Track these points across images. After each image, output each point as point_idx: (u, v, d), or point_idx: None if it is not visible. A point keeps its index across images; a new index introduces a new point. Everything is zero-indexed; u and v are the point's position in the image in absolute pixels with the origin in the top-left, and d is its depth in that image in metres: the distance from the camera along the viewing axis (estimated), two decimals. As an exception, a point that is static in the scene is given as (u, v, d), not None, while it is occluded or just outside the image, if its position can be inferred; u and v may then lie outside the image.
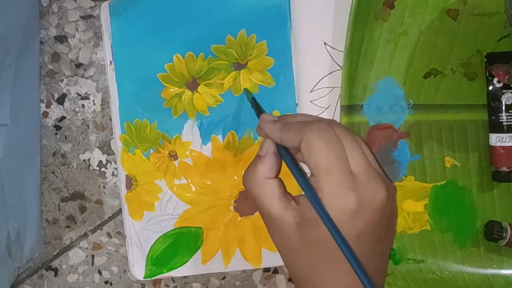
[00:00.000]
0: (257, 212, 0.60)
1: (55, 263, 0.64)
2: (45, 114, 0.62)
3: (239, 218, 0.61)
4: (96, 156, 0.62)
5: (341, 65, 0.59)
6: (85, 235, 0.64)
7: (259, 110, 0.52)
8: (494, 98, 0.57)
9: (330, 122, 0.45)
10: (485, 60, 0.58)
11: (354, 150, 0.44)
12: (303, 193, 0.44)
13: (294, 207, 0.45)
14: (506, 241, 0.58)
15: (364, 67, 0.58)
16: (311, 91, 0.60)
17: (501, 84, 0.57)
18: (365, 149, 0.45)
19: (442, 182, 0.60)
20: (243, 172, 0.58)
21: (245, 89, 0.59)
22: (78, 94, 0.62)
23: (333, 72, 0.60)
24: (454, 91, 0.59)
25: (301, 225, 0.44)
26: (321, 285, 0.45)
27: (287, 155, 0.46)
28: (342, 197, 0.42)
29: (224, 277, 0.64)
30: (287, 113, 0.58)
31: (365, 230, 0.43)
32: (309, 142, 0.43)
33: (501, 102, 0.57)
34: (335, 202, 0.42)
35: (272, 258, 0.61)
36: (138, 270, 0.61)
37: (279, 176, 0.47)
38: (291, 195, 0.46)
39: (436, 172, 0.60)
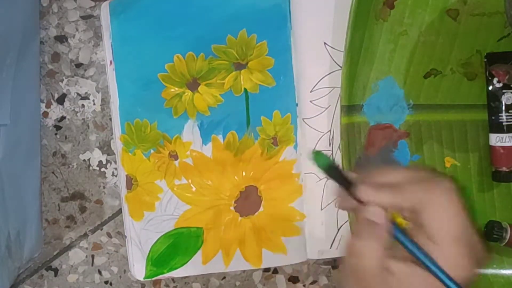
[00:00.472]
0: (258, 213, 0.61)
1: (55, 263, 0.64)
2: (45, 114, 0.62)
3: (240, 218, 0.61)
4: (96, 156, 0.62)
5: (341, 65, 0.59)
6: (85, 235, 0.64)
7: (343, 179, 0.43)
8: (494, 98, 0.57)
9: (454, 185, 0.42)
10: (485, 60, 0.57)
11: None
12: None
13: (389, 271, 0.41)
14: (506, 241, 0.57)
15: (364, 67, 0.58)
16: (311, 91, 0.60)
17: (501, 84, 0.57)
18: None
19: None
20: (243, 173, 0.59)
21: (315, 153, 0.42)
22: (78, 94, 0.62)
23: (333, 72, 0.60)
24: (454, 91, 0.59)
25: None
26: None
27: (406, 238, 0.41)
28: (469, 269, 0.41)
29: (224, 277, 0.64)
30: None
31: None
32: (438, 204, 0.41)
33: (501, 102, 0.57)
34: (462, 274, 0.40)
35: (272, 258, 0.62)
36: (138, 271, 0.61)
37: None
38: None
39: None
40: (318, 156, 0.42)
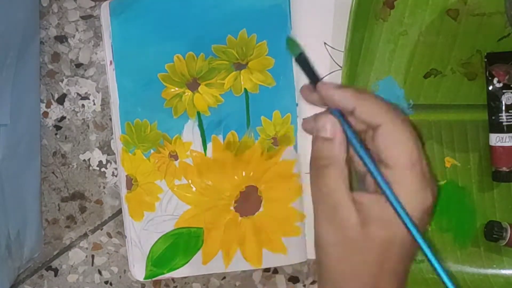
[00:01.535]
0: (258, 213, 0.61)
1: (55, 263, 0.64)
2: (45, 114, 0.62)
3: (240, 218, 0.61)
4: (96, 156, 0.62)
5: (341, 65, 0.59)
6: (85, 235, 0.64)
7: (311, 71, 0.46)
8: (494, 98, 0.57)
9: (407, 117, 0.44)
10: (485, 60, 0.57)
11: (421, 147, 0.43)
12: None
13: (357, 201, 0.43)
14: (506, 241, 0.57)
15: (364, 67, 0.58)
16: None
17: (501, 84, 0.57)
18: None
19: (442, 182, 0.60)
20: (243, 173, 0.59)
21: (288, 39, 0.49)
22: (78, 94, 0.62)
23: (333, 72, 0.60)
24: (454, 91, 0.59)
25: (365, 223, 0.42)
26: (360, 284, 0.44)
27: (356, 140, 0.43)
28: (423, 194, 0.42)
29: (224, 277, 0.64)
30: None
31: (428, 226, 0.43)
32: (394, 131, 0.42)
33: (501, 102, 0.57)
34: (416, 199, 0.42)
35: (273, 259, 0.61)
36: (138, 271, 0.61)
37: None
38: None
39: (436, 172, 0.60)
40: (292, 44, 0.47)
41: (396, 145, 0.42)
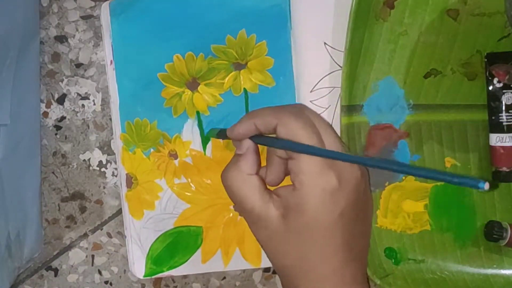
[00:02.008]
0: None
1: (55, 263, 0.64)
2: (45, 114, 0.62)
3: (239, 217, 0.61)
4: (96, 156, 0.62)
5: (341, 65, 0.59)
6: (85, 235, 0.63)
7: (222, 131, 0.52)
8: (494, 98, 0.57)
9: (300, 106, 0.48)
10: (485, 60, 0.58)
11: (327, 132, 0.46)
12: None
13: (276, 199, 0.46)
14: (506, 241, 0.57)
15: (364, 67, 0.58)
16: (311, 91, 0.60)
17: (501, 84, 0.57)
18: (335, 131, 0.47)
19: (442, 182, 0.59)
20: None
21: (210, 131, 0.59)
22: (78, 94, 0.62)
23: (333, 72, 0.60)
24: (454, 91, 0.59)
25: (285, 214, 0.45)
26: (311, 271, 0.46)
27: (268, 139, 0.47)
28: (324, 176, 0.44)
29: (224, 277, 0.64)
30: None
31: (347, 207, 0.45)
32: (287, 124, 0.45)
33: (501, 102, 0.57)
34: (318, 181, 0.44)
35: (272, 258, 0.61)
36: (138, 269, 0.61)
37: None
38: (270, 190, 0.48)
39: None
40: (211, 134, 0.58)
41: (294, 136, 0.45)
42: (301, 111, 0.46)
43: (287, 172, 0.48)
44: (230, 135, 0.49)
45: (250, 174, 0.47)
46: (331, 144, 0.46)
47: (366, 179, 0.48)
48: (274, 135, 0.46)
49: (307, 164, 0.44)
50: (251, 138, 0.48)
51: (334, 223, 0.45)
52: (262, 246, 0.49)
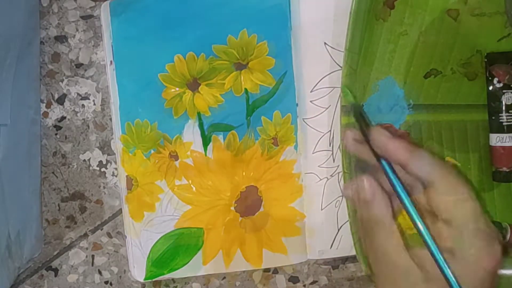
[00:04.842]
0: (258, 212, 0.61)
1: (55, 263, 0.64)
2: (45, 114, 0.62)
3: (240, 218, 0.61)
4: (96, 156, 0.62)
5: (341, 65, 0.59)
6: (85, 235, 0.63)
7: (365, 123, 0.47)
8: (494, 98, 0.57)
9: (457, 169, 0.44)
10: (485, 60, 0.58)
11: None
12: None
13: (417, 256, 0.42)
14: (506, 241, 0.57)
15: (364, 67, 0.58)
16: (311, 91, 0.60)
17: (501, 84, 0.57)
18: None
19: None
20: (243, 173, 0.60)
21: (350, 102, 0.54)
22: (78, 94, 0.61)
23: (333, 72, 0.60)
24: (454, 91, 0.59)
25: (429, 279, 0.41)
26: None
27: (404, 194, 0.43)
28: (491, 249, 0.41)
29: (224, 277, 0.64)
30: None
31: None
32: (450, 188, 0.41)
33: (501, 102, 0.57)
34: (486, 255, 0.41)
35: (273, 259, 0.62)
36: (139, 272, 0.61)
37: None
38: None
39: None
40: (345, 94, 0.52)
41: (454, 201, 0.41)
42: (458, 179, 0.42)
43: None
44: (378, 138, 0.44)
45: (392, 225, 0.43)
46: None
47: None
48: None
49: (472, 234, 0.40)
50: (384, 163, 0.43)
51: None
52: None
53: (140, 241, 0.61)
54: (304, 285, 0.64)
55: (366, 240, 0.45)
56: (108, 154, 0.62)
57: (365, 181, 0.43)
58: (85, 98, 0.62)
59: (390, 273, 0.43)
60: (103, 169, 0.62)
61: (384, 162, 0.43)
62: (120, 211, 0.63)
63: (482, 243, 0.40)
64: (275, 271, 0.64)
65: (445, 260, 0.40)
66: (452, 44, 0.58)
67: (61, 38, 0.61)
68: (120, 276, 0.64)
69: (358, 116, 0.47)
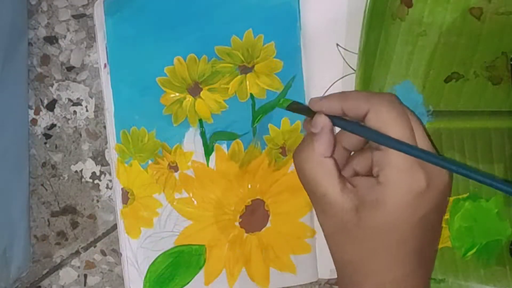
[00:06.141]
0: (265, 228, 0.60)
1: (44, 283, 0.63)
2: (34, 122, 0.61)
3: (245, 234, 0.60)
4: (89, 167, 0.61)
5: (355, 69, 0.57)
6: (77, 252, 0.62)
7: (304, 107, 0.51)
8: (520, 104, 0.57)
9: (393, 96, 0.46)
10: (511, 63, 0.56)
11: (419, 128, 0.45)
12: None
13: (351, 189, 0.46)
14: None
15: (380, 71, 0.57)
16: (322, 97, 0.59)
17: (528, 89, 0.57)
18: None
19: (464, 195, 0.59)
20: (249, 185, 0.59)
21: (283, 100, 0.55)
22: (69, 99, 0.60)
23: (346, 76, 0.59)
24: (478, 97, 0.57)
25: (359, 208, 0.44)
26: (375, 274, 0.46)
27: (353, 124, 0.46)
28: (414, 175, 0.43)
29: None
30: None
31: (429, 212, 0.44)
32: (380, 112, 0.44)
33: (528, 109, 0.57)
34: (406, 179, 0.43)
35: (281, 278, 0.60)
36: (135, 293, 0.61)
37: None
38: (346, 178, 0.47)
39: (457, 184, 0.58)
40: (284, 103, 0.53)
41: (385, 126, 0.44)
42: (395, 101, 0.46)
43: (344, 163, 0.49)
44: (313, 105, 0.48)
45: (325, 156, 0.46)
46: (422, 143, 0.45)
47: (451, 186, 0.48)
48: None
49: (396, 158, 0.43)
50: (330, 119, 0.47)
51: (412, 226, 0.44)
52: (325, 236, 0.48)
53: (136, 259, 0.59)
54: (315, 307, 0.64)
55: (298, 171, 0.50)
56: (102, 165, 0.61)
57: (318, 116, 0.47)
58: (77, 104, 0.61)
59: (320, 203, 0.47)
60: (96, 181, 0.61)
61: (335, 121, 0.47)
62: (115, 227, 0.61)
63: (404, 166, 0.43)
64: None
65: None
66: (475, 45, 0.56)
67: (51, 39, 0.60)
68: (115, 297, 0.64)
69: (295, 109, 0.52)
